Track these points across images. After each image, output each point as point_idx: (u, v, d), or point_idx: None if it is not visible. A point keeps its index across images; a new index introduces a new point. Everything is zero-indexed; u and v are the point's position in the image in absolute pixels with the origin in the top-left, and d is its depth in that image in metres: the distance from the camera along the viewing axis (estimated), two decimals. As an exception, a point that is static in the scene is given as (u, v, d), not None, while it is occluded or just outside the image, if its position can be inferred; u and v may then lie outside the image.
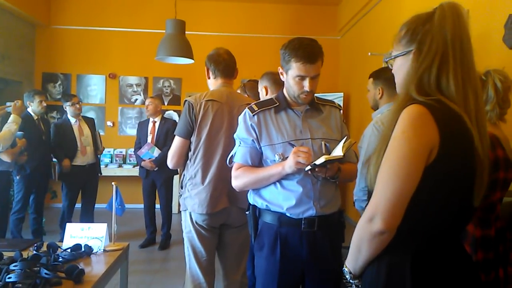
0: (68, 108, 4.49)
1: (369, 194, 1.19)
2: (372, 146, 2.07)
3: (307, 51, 1.67)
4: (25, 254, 1.91)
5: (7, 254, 1.91)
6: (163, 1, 6.43)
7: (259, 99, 3.23)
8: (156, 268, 4.08)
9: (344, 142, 1.63)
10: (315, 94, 1.86)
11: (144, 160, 4.57)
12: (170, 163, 2.31)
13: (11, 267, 1.68)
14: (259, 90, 2.79)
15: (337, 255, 1.77)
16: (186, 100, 2.28)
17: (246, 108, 1.85)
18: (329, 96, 6.04)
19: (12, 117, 3.36)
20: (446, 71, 1.08)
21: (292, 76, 1.72)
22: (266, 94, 2.69)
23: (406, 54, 1.16)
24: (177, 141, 2.28)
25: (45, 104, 4.33)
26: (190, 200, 2.26)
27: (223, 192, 2.24)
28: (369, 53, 4.70)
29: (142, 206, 4.89)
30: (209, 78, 2.42)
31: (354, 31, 6.10)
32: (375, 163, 1.13)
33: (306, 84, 1.71)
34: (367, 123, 2.28)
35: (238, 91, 3.20)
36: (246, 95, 3.19)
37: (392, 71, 1.24)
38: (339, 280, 1.24)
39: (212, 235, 2.31)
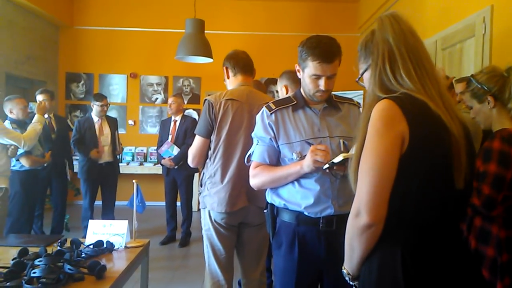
0: (95, 108, 4.60)
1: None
2: None
3: (324, 50, 1.66)
4: (49, 250, 1.97)
5: (32, 250, 1.97)
6: (183, 0, 6.48)
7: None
8: (176, 264, 4.13)
9: None
10: (334, 92, 1.85)
11: (164, 158, 4.65)
12: (192, 162, 2.34)
13: (36, 262, 1.73)
14: (279, 89, 2.78)
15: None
16: (206, 99, 2.30)
17: (264, 106, 1.85)
18: (349, 94, 5.98)
19: (36, 117, 3.45)
20: (397, 67, 1.16)
21: (308, 74, 1.71)
22: (287, 93, 2.68)
23: (367, 68, 1.28)
24: (197, 140, 2.31)
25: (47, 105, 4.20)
26: (209, 199, 2.27)
27: (242, 191, 2.25)
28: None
29: (163, 203, 4.97)
30: (228, 77, 2.43)
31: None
32: (354, 160, 1.18)
33: (322, 83, 1.70)
34: None
35: None
36: None
37: (366, 87, 1.32)
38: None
39: (230, 233, 2.33)
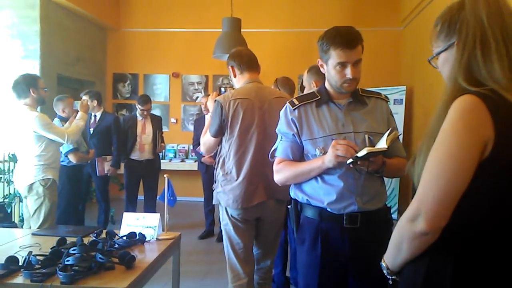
0: (138, 110, 4.81)
1: (414, 192, 1.14)
2: None
3: (345, 37, 1.63)
4: (86, 240, 2.08)
5: (70, 240, 2.09)
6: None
7: (291, 94, 3.24)
8: (212, 259, 4.21)
9: (389, 134, 1.57)
10: (364, 88, 1.81)
11: (204, 156, 4.74)
12: (203, 151, 2.53)
13: (71, 251, 1.84)
14: (307, 84, 2.72)
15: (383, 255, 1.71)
16: (215, 100, 2.35)
17: (287, 102, 1.84)
18: (390, 90, 5.81)
19: (79, 114, 3.67)
20: (490, 54, 1.00)
21: (332, 65, 1.67)
22: None
23: (448, 48, 1.09)
24: (208, 137, 2.40)
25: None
26: (224, 195, 2.31)
27: (259, 186, 2.28)
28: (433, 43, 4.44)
29: (202, 199, 5.08)
30: (234, 76, 2.46)
31: (418, 21, 5.79)
32: (422, 160, 1.06)
33: (348, 71, 1.66)
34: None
35: (272, 86, 3.21)
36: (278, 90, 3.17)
37: (438, 69, 1.17)
38: (384, 280, 1.20)
39: (248, 227, 2.36)
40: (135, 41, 7.12)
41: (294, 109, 1.78)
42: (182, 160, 6.79)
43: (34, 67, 5.31)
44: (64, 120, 3.99)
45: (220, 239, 4.78)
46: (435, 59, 1.16)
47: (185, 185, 6.28)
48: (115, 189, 6.03)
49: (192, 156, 6.89)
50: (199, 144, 4.79)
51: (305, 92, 2.84)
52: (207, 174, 4.87)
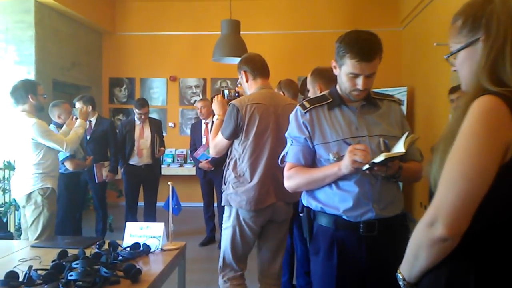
0: (136, 114, 4.72)
1: (430, 194, 1.08)
2: None
3: (364, 47, 1.54)
4: (88, 252, 1.99)
5: (71, 252, 2.00)
6: (219, 2, 6.51)
7: (295, 96, 3.18)
8: (215, 267, 4.09)
9: (406, 138, 1.50)
10: (373, 89, 1.75)
11: (201, 162, 4.65)
12: (214, 155, 2.53)
13: (73, 265, 1.75)
14: (311, 88, 2.68)
15: (401, 263, 1.64)
16: (231, 104, 2.36)
17: (297, 105, 1.77)
18: (391, 91, 5.75)
19: (78, 121, 3.57)
20: None
21: (345, 72, 1.61)
22: (320, 93, 2.59)
23: (472, 44, 1.03)
24: (220, 139, 2.40)
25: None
26: (236, 197, 2.34)
27: (270, 189, 2.34)
28: (435, 44, 4.40)
29: (201, 205, 4.99)
30: (247, 81, 2.47)
31: (417, 21, 5.75)
32: (439, 163, 1.01)
33: (360, 82, 1.60)
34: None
35: (275, 89, 3.23)
36: (281, 92, 3.14)
37: (455, 67, 1.11)
38: None
39: (254, 234, 2.42)
40: (131, 45, 7.03)
41: (305, 112, 1.71)
42: (181, 165, 6.71)
43: (29, 73, 5.21)
44: (60, 126, 3.89)
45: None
46: (453, 57, 1.10)
47: (183, 191, 6.12)
48: (112, 196, 5.93)
49: (190, 160, 6.80)
50: (195, 149, 4.78)
51: (310, 95, 2.78)
52: (205, 179, 4.79)
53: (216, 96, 2.64)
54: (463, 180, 0.93)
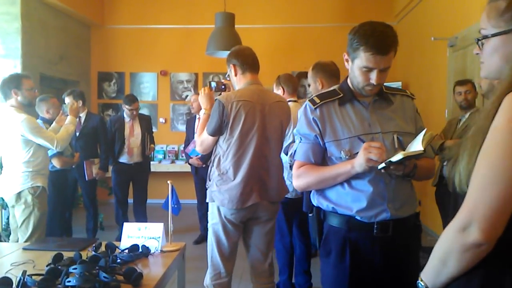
0: (126, 111, 4.58)
1: (455, 196, 1.01)
2: None
3: (379, 40, 1.46)
4: (84, 254, 1.90)
5: (66, 254, 1.90)
6: (212, -5, 6.39)
7: (294, 91, 3.13)
8: (211, 265, 4.03)
9: (424, 135, 1.44)
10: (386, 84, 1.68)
11: (192, 158, 4.56)
12: (199, 150, 2.47)
13: (71, 269, 1.65)
14: (312, 82, 2.64)
15: (416, 263, 1.59)
16: (217, 99, 2.30)
17: (307, 100, 1.69)
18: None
19: (69, 118, 3.42)
20: None
21: (358, 66, 1.53)
22: (322, 87, 2.54)
23: (507, 32, 0.95)
24: (205, 136, 2.36)
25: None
26: (219, 195, 2.32)
27: (254, 189, 2.31)
28: (432, 38, 4.37)
29: (194, 201, 4.90)
30: (235, 75, 2.39)
31: (412, 16, 5.72)
32: (467, 161, 0.95)
33: (374, 77, 1.52)
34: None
35: (274, 84, 3.21)
36: (280, 87, 3.09)
37: (482, 53, 1.04)
38: None
39: (237, 229, 2.39)
40: (120, 38, 6.85)
41: (315, 108, 1.63)
42: (172, 161, 6.59)
43: (15, 66, 5.04)
44: (47, 122, 3.74)
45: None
46: (485, 40, 1.01)
47: (176, 187, 6.06)
48: (103, 193, 5.79)
49: (182, 156, 6.69)
50: (187, 145, 4.68)
51: (311, 89, 2.72)
52: (197, 176, 4.70)
53: (203, 89, 2.55)
54: (500, 181, 0.87)
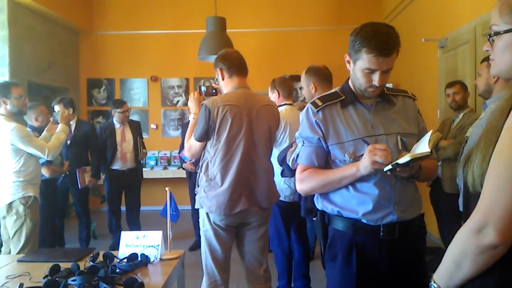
0: (117, 115, 4.53)
1: (466, 196, 0.99)
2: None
3: (382, 41, 1.44)
4: (81, 265, 1.85)
5: (64, 265, 1.84)
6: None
7: (290, 95, 3.12)
8: (207, 272, 3.98)
9: (430, 136, 1.43)
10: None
11: (185, 162, 4.52)
12: (188, 155, 2.45)
13: (70, 281, 1.61)
14: (305, 86, 2.64)
15: (422, 265, 1.57)
16: (203, 104, 2.27)
17: (309, 103, 1.67)
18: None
19: (60, 126, 3.35)
20: None
21: (360, 68, 1.51)
22: (315, 91, 2.54)
23: None
24: (193, 142, 2.34)
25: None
26: (207, 201, 2.28)
27: (242, 194, 2.28)
28: (423, 39, 4.40)
29: (188, 207, 4.85)
30: (222, 79, 2.37)
31: (402, 18, 5.76)
32: (481, 161, 0.93)
33: (376, 78, 1.50)
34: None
35: (269, 87, 3.19)
36: (275, 91, 3.08)
37: (493, 50, 1.02)
38: None
39: (229, 234, 2.35)
40: (109, 44, 6.78)
41: (318, 111, 1.61)
42: (165, 168, 6.52)
43: (2, 74, 4.95)
44: (36, 130, 3.66)
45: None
46: (496, 37, 0.99)
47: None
48: (95, 201, 5.71)
49: (174, 162, 6.63)
50: (183, 149, 4.63)
51: (304, 93, 2.73)
52: (191, 180, 4.65)
53: (192, 93, 2.53)
54: None
